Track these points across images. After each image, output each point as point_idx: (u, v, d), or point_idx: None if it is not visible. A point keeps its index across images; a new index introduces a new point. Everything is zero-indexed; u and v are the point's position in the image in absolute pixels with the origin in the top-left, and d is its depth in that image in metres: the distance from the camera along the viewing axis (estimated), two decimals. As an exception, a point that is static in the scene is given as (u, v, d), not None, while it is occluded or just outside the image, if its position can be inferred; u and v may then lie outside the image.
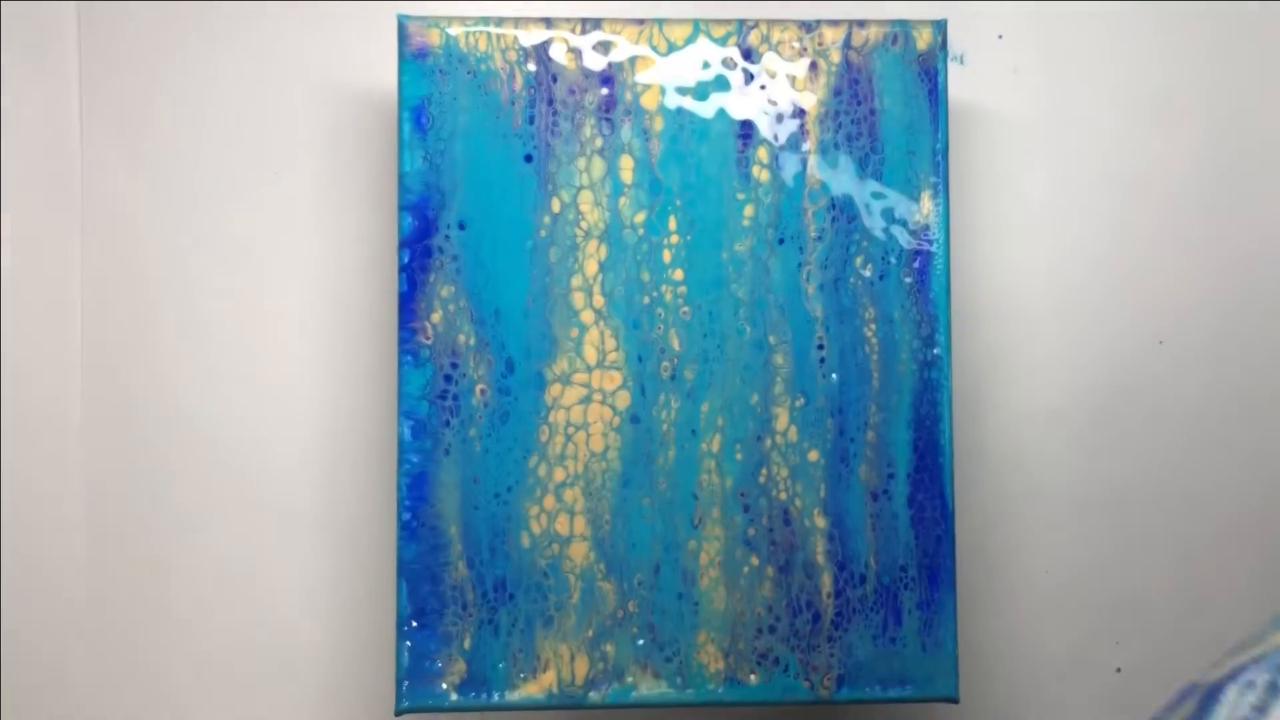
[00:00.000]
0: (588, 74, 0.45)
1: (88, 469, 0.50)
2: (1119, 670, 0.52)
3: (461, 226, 0.44)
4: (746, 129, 0.45)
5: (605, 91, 0.45)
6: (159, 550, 0.50)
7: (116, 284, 0.51)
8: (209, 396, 0.51)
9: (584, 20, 0.45)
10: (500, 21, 0.45)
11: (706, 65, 0.45)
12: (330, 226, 0.51)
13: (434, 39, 0.44)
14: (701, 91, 0.45)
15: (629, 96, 0.45)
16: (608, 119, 0.45)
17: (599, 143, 0.45)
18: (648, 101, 0.45)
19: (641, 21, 0.45)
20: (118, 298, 0.51)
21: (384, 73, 0.50)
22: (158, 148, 0.51)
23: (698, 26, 0.45)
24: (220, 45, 0.51)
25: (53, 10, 0.51)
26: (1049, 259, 0.52)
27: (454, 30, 0.44)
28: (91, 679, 0.50)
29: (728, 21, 0.45)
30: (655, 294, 0.45)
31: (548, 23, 0.45)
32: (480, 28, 0.45)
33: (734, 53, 0.45)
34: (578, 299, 0.44)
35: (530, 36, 0.45)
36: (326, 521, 0.51)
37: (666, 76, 0.45)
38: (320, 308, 0.51)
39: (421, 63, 0.44)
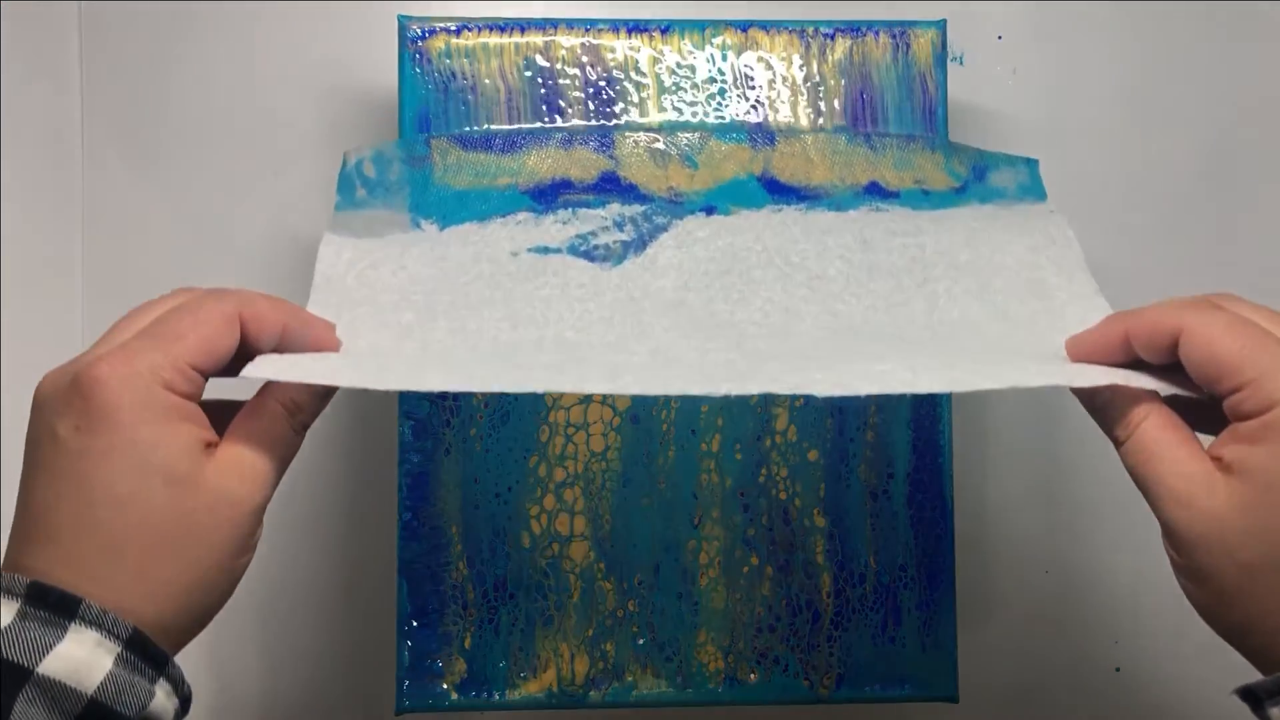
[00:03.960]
0: (588, 79, 0.45)
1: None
2: (1119, 670, 0.52)
3: (462, 227, 0.44)
4: (747, 132, 0.45)
5: (606, 96, 0.45)
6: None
7: (116, 284, 0.51)
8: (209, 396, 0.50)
9: (584, 24, 0.45)
10: (500, 29, 0.45)
11: (708, 70, 0.45)
12: (331, 227, 0.51)
13: (435, 47, 0.44)
14: (703, 96, 0.45)
15: (630, 100, 0.45)
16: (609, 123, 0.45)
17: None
18: (649, 105, 0.45)
19: (644, 29, 0.45)
20: (118, 298, 0.51)
21: (384, 73, 0.50)
22: (158, 148, 0.51)
23: (699, 29, 0.45)
24: (221, 45, 0.51)
25: (54, 10, 0.51)
26: (1049, 259, 0.52)
27: (455, 41, 0.44)
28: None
29: (728, 26, 0.45)
30: (655, 294, 0.45)
31: (547, 28, 0.45)
32: (480, 37, 0.45)
33: (734, 57, 0.45)
34: (578, 299, 0.44)
35: (530, 44, 0.45)
36: (327, 521, 0.51)
37: (667, 81, 0.45)
38: (321, 308, 0.51)
39: (423, 72, 0.44)
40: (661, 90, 0.45)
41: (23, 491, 0.28)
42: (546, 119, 0.45)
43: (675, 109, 0.45)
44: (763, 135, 0.44)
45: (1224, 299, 0.31)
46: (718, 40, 0.45)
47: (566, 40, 0.45)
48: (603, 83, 0.45)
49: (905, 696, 0.44)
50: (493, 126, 0.44)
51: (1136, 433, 0.30)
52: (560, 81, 0.45)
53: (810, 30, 0.45)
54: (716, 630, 0.44)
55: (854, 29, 0.45)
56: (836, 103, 0.45)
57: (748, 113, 0.45)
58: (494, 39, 0.45)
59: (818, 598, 0.44)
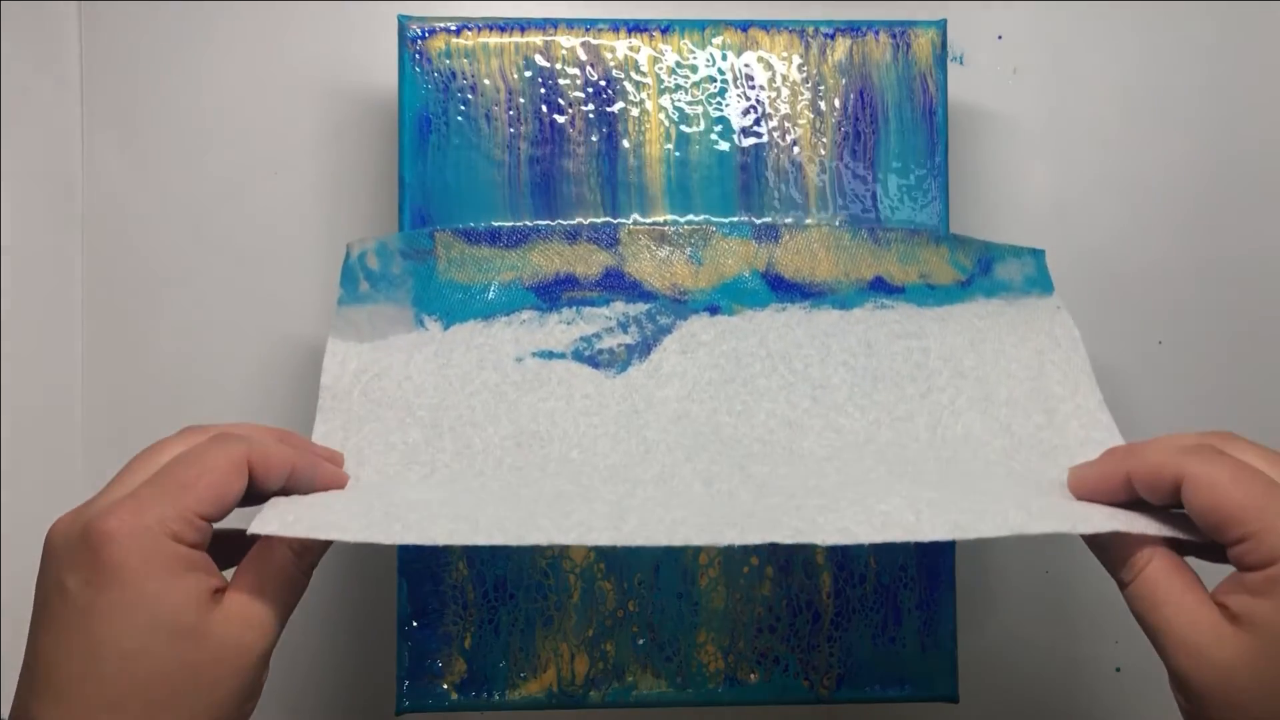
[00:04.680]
0: (588, 79, 0.45)
1: (88, 468, 0.50)
2: (1119, 670, 0.52)
3: (462, 226, 0.44)
4: (747, 134, 0.45)
5: (605, 97, 0.45)
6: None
7: (116, 284, 0.51)
8: (209, 397, 0.51)
9: (584, 24, 0.45)
10: (500, 29, 0.45)
11: (708, 71, 0.45)
12: (331, 226, 0.51)
13: (435, 47, 0.44)
14: (703, 96, 0.45)
15: (630, 102, 0.45)
16: (609, 124, 0.45)
17: (599, 148, 0.45)
18: (649, 107, 0.45)
19: (644, 28, 0.45)
20: (118, 298, 0.51)
21: (384, 73, 0.50)
22: (158, 148, 0.51)
23: (699, 29, 0.45)
24: (221, 45, 0.51)
25: (54, 10, 0.51)
26: (1048, 259, 0.52)
27: (455, 41, 0.44)
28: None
29: (728, 26, 0.45)
30: (655, 294, 0.45)
31: (548, 28, 0.45)
32: (480, 37, 0.45)
33: (734, 57, 0.45)
34: (578, 299, 0.44)
35: (530, 43, 0.45)
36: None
37: (667, 81, 0.45)
38: (320, 307, 0.51)
39: (423, 72, 0.44)
40: (661, 90, 0.45)
41: (31, 642, 0.29)
42: (547, 122, 0.45)
43: (675, 108, 0.45)
44: (767, 230, 0.43)
45: (1226, 442, 0.30)
46: (718, 40, 0.45)
47: (566, 40, 0.45)
48: (603, 82, 0.45)
49: (905, 696, 0.44)
50: (497, 223, 0.43)
51: (1141, 577, 0.30)
52: (560, 81, 0.45)
53: (810, 30, 0.45)
54: (716, 630, 0.44)
55: (854, 29, 0.45)
56: (836, 102, 0.45)
57: (746, 112, 0.45)
58: (494, 39, 0.45)
59: (818, 598, 0.44)
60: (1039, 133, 0.52)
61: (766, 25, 0.45)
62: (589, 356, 0.40)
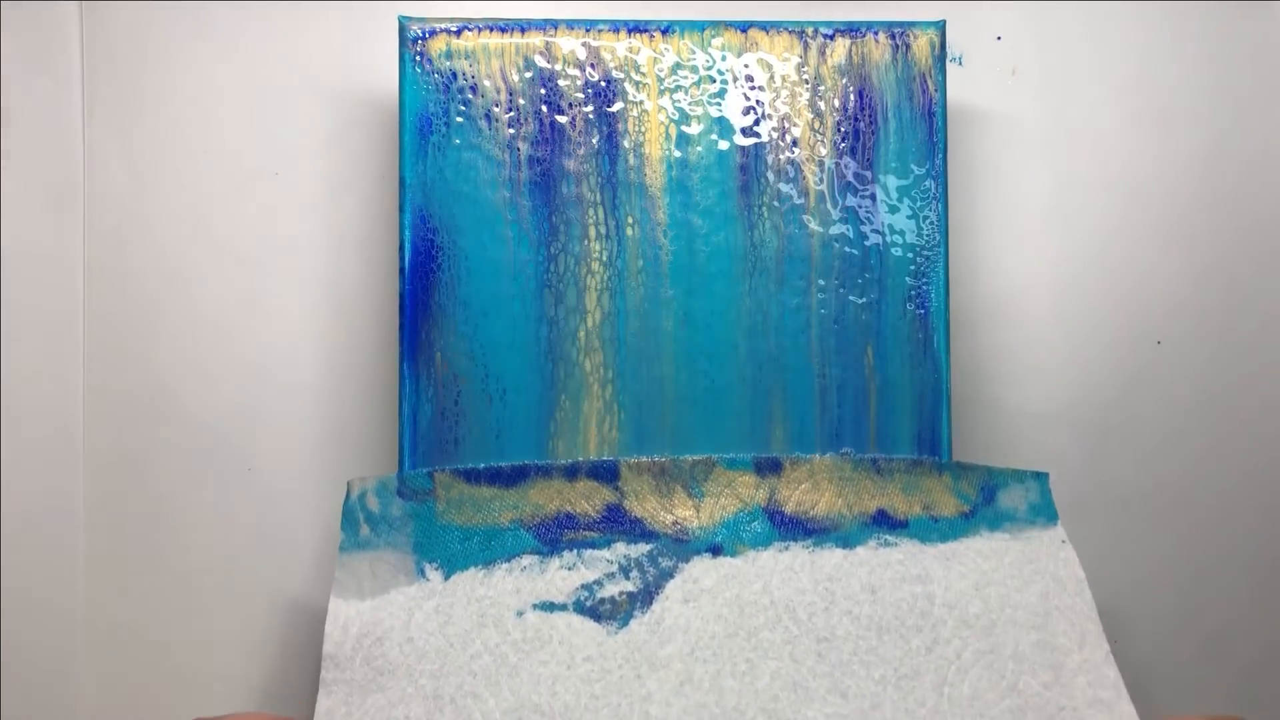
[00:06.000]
0: (589, 79, 0.45)
1: (88, 469, 0.50)
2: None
3: (461, 232, 0.44)
4: (747, 134, 0.45)
5: (605, 98, 0.45)
6: (159, 551, 0.50)
7: (118, 284, 0.51)
8: (210, 397, 0.51)
9: (584, 24, 0.45)
10: (501, 30, 0.45)
11: (708, 72, 0.45)
12: (331, 226, 0.51)
13: (436, 48, 0.44)
14: (703, 98, 0.45)
15: (630, 102, 0.45)
16: (609, 125, 0.45)
17: (599, 148, 0.45)
18: (649, 107, 0.45)
19: (644, 29, 0.45)
20: (119, 298, 0.51)
21: (385, 73, 0.50)
22: (159, 148, 0.51)
23: (699, 29, 0.45)
24: (222, 46, 0.51)
25: (55, 10, 0.51)
26: (1048, 259, 0.52)
27: (455, 41, 0.45)
28: (92, 679, 0.50)
29: (728, 26, 0.45)
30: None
31: (548, 28, 0.45)
32: (481, 38, 0.45)
33: (734, 58, 0.45)
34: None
35: (530, 44, 0.45)
36: (329, 521, 0.51)
37: (668, 81, 0.45)
38: (321, 308, 0.51)
39: (423, 72, 0.44)
40: (661, 90, 0.45)
41: None
42: (547, 122, 0.45)
43: (676, 109, 0.45)
44: (769, 462, 0.43)
45: None
46: (718, 40, 0.45)
47: (566, 41, 0.45)
48: (603, 83, 0.45)
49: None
50: (498, 464, 0.43)
51: None
52: (560, 82, 0.45)
53: (810, 31, 0.45)
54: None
55: (854, 29, 0.45)
56: (836, 103, 0.45)
57: (746, 112, 0.45)
58: (494, 39, 0.45)
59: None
60: (1038, 133, 0.52)
61: (766, 26, 0.45)
62: (590, 608, 0.40)
